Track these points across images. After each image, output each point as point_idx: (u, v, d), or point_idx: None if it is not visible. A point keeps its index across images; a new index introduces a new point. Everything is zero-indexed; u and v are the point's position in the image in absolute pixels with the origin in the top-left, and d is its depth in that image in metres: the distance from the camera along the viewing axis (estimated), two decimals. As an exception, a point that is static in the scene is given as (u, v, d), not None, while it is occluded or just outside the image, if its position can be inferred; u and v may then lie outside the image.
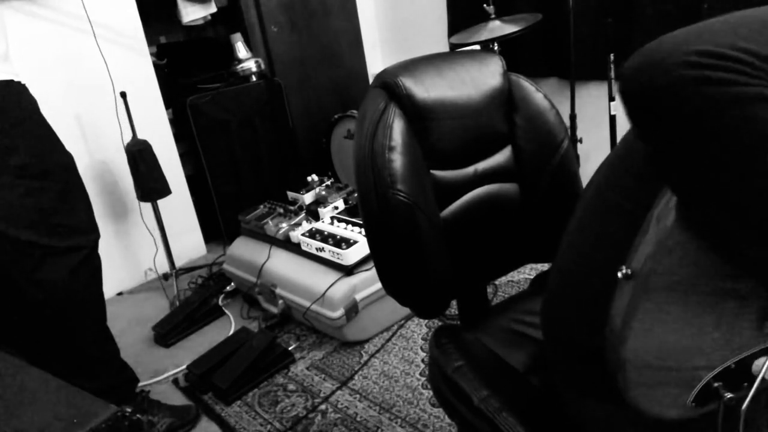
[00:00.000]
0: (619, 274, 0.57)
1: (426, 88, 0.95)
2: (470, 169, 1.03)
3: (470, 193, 1.03)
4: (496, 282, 2.22)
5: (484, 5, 2.33)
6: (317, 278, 1.98)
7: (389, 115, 0.91)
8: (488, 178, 1.05)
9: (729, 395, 0.58)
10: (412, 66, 0.98)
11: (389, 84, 0.94)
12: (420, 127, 0.95)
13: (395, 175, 0.89)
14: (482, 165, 1.04)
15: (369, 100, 0.96)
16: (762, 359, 0.57)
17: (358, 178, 0.94)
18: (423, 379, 1.77)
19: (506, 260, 1.12)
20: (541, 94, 1.05)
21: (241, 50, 2.83)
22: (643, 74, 0.48)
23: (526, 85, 1.05)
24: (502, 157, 1.06)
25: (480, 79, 1.01)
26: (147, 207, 2.48)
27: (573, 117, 2.41)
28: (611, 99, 2.27)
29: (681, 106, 0.46)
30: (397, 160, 0.90)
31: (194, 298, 2.35)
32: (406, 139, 0.91)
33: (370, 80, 2.31)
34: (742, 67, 0.44)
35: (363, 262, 1.96)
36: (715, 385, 0.58)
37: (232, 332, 2.17)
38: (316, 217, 2.24)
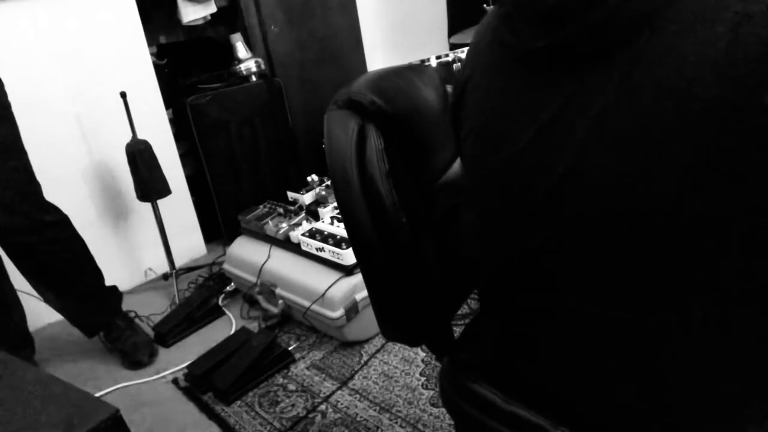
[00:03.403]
0: None
1: (394, 106, 0.86)
2: (440, 184, 0.99)
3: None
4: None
5: (484, 5, 2.33)
6: (317, 278, 1.98)
7: (374, 138, 0.82)
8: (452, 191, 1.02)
9: None
10: (375, 82, 0.89)
11: (361, 103, 0.84)
12: (399, 147, 0.87)
13: (401, 203, 0.81)
14: (444, 179, 1.00)
15: (335, 123, 0.85)
16: None
17: (348, 210, 0.83)
18: (423, 379, 1.77)
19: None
20: None
21: (241, 50, 2.83)
22: None
23: None
24: (456, 168, 1.03)
25: (430, 93, 0.98)
26: (147, 207, 2.48)
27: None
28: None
29: None
30: (399, 185, 0.82)
31: (194, 298, 2.35)
32: (396, 161, 0.84)
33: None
34: None
35: (363, 262, 1.95)
36: None
37: (232, 332, 2.17)
38: (316, 217, 2.24)
